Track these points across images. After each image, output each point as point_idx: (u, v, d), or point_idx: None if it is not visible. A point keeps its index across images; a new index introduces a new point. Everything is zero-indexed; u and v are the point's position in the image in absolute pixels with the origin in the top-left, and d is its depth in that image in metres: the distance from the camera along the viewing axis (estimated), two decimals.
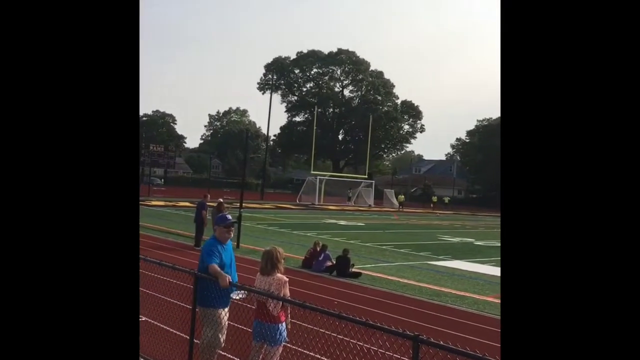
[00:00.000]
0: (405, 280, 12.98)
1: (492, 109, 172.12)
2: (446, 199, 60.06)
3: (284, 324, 5.04)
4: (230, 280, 5.02)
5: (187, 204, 33.61)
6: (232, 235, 5.62)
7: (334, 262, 13.42)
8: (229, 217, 5.71)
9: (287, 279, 5.12)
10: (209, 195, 18.01)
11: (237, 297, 5.13)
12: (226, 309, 5.31)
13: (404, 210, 47.86)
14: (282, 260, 5.12)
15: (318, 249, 13.99)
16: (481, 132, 76.30)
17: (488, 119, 77.05)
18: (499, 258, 16.64)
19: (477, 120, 78.86)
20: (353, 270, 13.12)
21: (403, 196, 52.05)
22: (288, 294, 5.08)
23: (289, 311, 5.19)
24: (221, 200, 17.62)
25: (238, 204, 19.10)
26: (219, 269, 5.12)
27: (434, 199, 57.95)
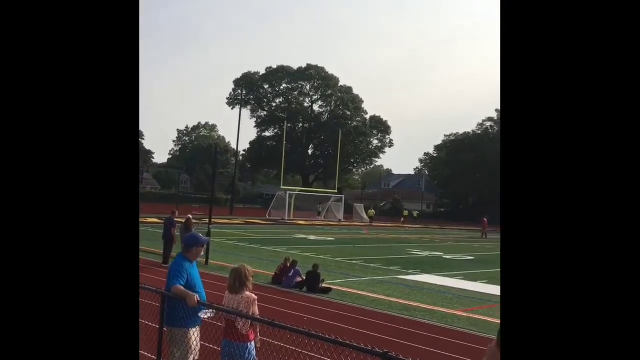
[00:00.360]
0: (375, 295, 13.01)
1: (460, 124, 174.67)
2: (415, 213, 60.53)
3: (253, 342, 5.00)
4: (199, 299, 4.96)
5: (155, 220, 33.12)
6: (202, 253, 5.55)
7: (304, 277, 13.38)
8: (201, 236, 5.67)
9: (256, 297, 5.08)
10: (177, 212, 17.80)
11: (206, 316, 5.06)
12: (196, 329, 5.22)
13: (374, 224, 47.95)
14: (251, 278, 5.09)
15: (288, 264, 13.93)
16: (448, 146, 77.35)
17: (455, 134, 78.24)
18: (468, 271, 16.89)
19: (445, 135, 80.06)
20: (323, 285, 13.09)
21: (373, 211, 52.14)
22: (257, 312, 5.04)
23: (258, 330, 5.15)
24: (190, 216, 17.43)
25: (207, 220, 18.93)
26: (183, 289, 5.03)
27: (405, 213, 58.33)
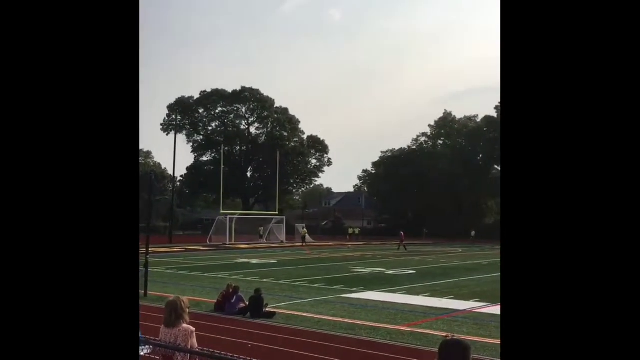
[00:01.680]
0: (320, 316, 12.95)
1: (395, 141, 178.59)
2: (356, 230, 61.02)
3: None
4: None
5: None
6: None
7: (247, 303, 13.18)
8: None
9: (194, 329, 4.94)
10: None
11: (143, 353, 4.88)
12: None
13: (308, 244, 47.13)
14: (187, 310, 4.94)
15: (230, 290, 13.70)
16: (386, 162, 78.72)
17: (392, 150, 79.74)
18: (410, 286, 17.06)
19: (381, 152, 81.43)
20: (267, 310, 12.93)
21: (305, 229, 51.11)
22: (196, 345, 4.90)
23: None
24: None
25: (144, 250, 18.39)
26: None
27: (350, 231, 58.62)
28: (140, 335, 4.97)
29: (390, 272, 24.08)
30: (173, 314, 4.81)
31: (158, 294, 15.99)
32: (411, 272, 24.48)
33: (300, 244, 46.71)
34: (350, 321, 12.40)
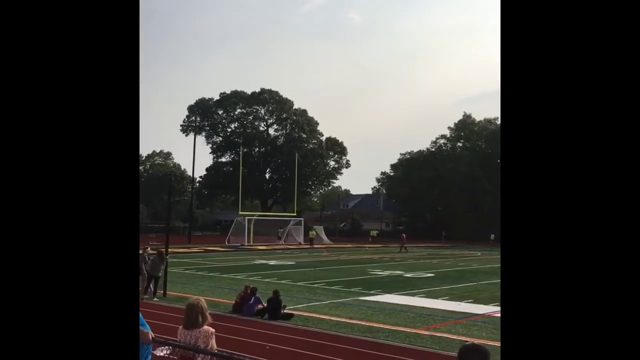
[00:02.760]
0: (338, 319, 12.93)
1: (414, 143, 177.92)
2: (375, 232, 60.88)
3: None
4: (153, 336, 4.81)
5: None
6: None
7: (265, 304, 13.21)
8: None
9: (214, 330, 4.96)
10: (149, 248, 17.39)
11: (162, 354, 4.90)
12: None
13: (316, 246, 46.48)
14: (207, 312, 4.96)
15: (248, 292, 13.74)
16: (404, 165, 78.44)
17: (410, 152, 79.45)
18: (428, 289, 16.98)
19: (400, 154, 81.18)
20: (285, 311, 12.94)
21: (315, 232, 50.53)
22: (215, 347, 4.91)
23: None
24: (147, 248, 17.07)
25: (164, 250, 18.52)
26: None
27: (372, 232, 58.63)
28: (151, 335, 5.01)
29: (408, 275, 23.97)
30: (193, 315, 4.83)
31: (177, 294, 16.11)
32: (430, 275, 24.34)
33: (308, 246, 46.33)
34: (368, 324, 12.36)
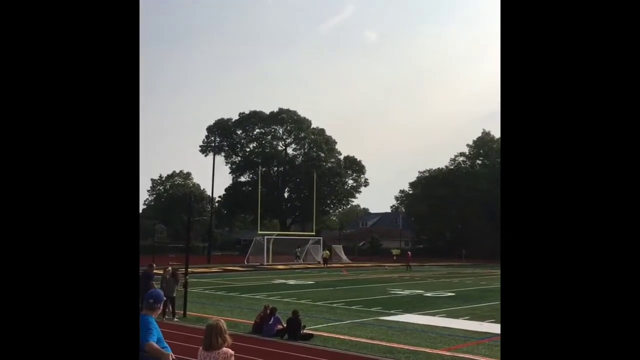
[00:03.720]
0: (358, 339, 12.81)
1: (432, 160, 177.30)
2: (397, 251, 60.42)
3: None
4: (174, 357, 4.80)
5: None
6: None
7: (285, 325, 13.15)
8: (159, 290, 5.66)
9: (233, 352, 4.94)
10: (154, 265, 17.47)
11: None
12: None
13: (329, 266, 45.59)
14: (227, 333, 4.95)
15: (268, 312, 13.70)
16: (423, 183, 78.03)
17: (429, 170, 79.06)
18: (449, 308, 16.74)
19: (419, 172, 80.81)
20: (304, 332, 12.87)
21: (328, 251, 49.16)
22: None
23: None
24: (169, 268, 17.12)
25: (183, 270, 18.59)
26: (157, 346, 4.89)
27: (394, 251, 58.01)
28: (171, 357, 5.01)
29: (429, 294, 23.72)
30: (212, 337, 4.82)
31: (197, 314, 16.12)
32: (450, 294, 24.05)
33: (322, 266, 45.49)
34: (388, 344, 12.22)
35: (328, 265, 46.05)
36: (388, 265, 48.02)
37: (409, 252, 45.22)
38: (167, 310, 15.48)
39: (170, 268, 17.19)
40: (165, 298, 5.28)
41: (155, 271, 16.87)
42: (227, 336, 4.87)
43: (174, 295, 15.80)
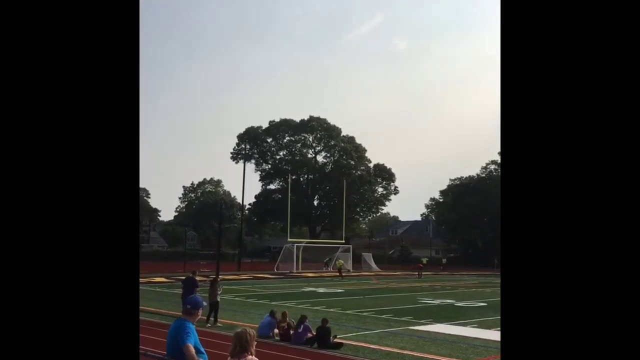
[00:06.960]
0: (388, 348, 12.72)
1: (463, 168, 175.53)
2: (425, 260, 59.73)
3: None
4: None
5: (163, 279, 32.86)
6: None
7: (314, 333, 13.13)
8: (198, 297, 5.72)
9: None
10: (197, 271, 18.03)
11: None
12: None
13: (345, 275, 42.72)
14: (254, 342, 4.97)
15: (287, 319, 13.82)
16: (454, 191, 77.21)
17: (460, 178, 78.23)
18: (481, 319, 16.48)
19: (450, 180, 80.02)
20: (334, 340, 12.83)
21: (342, 261, 46.31)
22: None
23: None
24: (194, 274, 17.47)
25: (214, 276, 18.83)
26: (193, 352, 4.96)
27: (424, 260, 56.76)
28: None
29: (460, 304, 23.42)
30: (238, 345, 4.85)
31: (228, 321, 16.22)
32: (482, 304, 23.71)
33: (337, 274, 42.26)
34: (419, 354, 12.10)
35: (343, 274, 42.45)
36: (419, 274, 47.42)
37: (420, 264, 45.66)
38: (209, 319, 15.70)
39: (212, 276, 17.65)
40: (205, 304, 5.37)
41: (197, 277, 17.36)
42: (253, 345, 4.89)
43: (218, 300, 16.21)
